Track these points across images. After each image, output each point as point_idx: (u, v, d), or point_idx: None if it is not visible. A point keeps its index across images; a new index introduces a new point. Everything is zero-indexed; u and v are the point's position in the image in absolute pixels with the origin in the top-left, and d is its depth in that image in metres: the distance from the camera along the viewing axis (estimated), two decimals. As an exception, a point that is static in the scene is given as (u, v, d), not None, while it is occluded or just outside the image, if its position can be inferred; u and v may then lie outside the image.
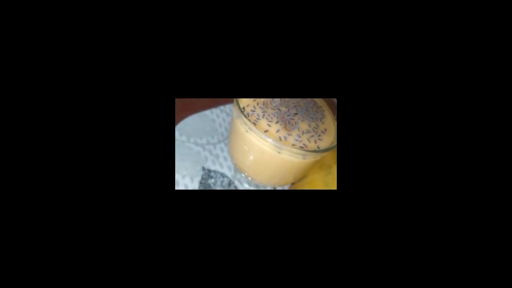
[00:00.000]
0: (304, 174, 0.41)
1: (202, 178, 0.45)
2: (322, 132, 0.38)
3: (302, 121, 0.38)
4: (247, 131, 0.35)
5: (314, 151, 0.35)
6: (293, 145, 0.35)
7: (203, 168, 0.46)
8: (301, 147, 0.35)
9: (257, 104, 0.38)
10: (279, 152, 0.35)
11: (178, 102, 0.50)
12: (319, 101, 0.43)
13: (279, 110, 0.39)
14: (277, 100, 0.39)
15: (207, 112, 0.51)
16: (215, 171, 0.46)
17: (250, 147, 0.37)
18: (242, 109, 0.37)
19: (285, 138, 0.35)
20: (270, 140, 0.34)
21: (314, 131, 0.38)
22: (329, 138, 0.38)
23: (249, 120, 0.35)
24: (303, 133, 0.37)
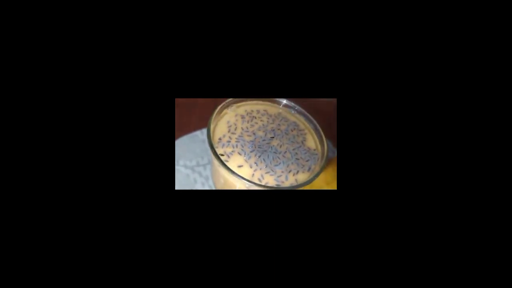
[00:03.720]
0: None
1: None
2: (303, 161, 0.37)
3: (279, 145, 0.37)
4: (219, 165, 0.35)
5: (284, 188, 0.34)
6: (266, 183, 0.34)
7: (192, 192, 0.46)
8: (277, 185, 0.34)
9: (233, 134, 0.37)
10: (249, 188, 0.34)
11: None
12: (302, 124, 0.41)
13: (254, 135, 0.37)
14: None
15: (198, 133, 0.51)
16: (204, 194, 0.46)
17: (225, 181, 0.36)
18: (219, 140, 0.37)
19: (262, 177, 0.34)
20: (241, 179, 0.33)
21: (295, 161, 0.36)
22: (308, 165, 0.37)
23: (219, 157, 0.34)
24: (282, 170, 0.35)
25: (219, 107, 0.38)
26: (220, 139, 0.37)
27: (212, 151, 0.34)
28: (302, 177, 0.35)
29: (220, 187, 0.39)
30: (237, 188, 0.35)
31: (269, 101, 0.43)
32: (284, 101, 0.43)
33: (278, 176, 0.34)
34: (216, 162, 0.35)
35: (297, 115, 0.42)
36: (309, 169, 0.36)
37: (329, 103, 0.66)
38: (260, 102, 0.42)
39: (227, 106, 0.39)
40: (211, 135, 0.37)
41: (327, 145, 0.38)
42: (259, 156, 0.35)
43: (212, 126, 0.37)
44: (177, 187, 0.45)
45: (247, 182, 0.32)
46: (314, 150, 0.39)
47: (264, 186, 0.33)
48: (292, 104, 0.42)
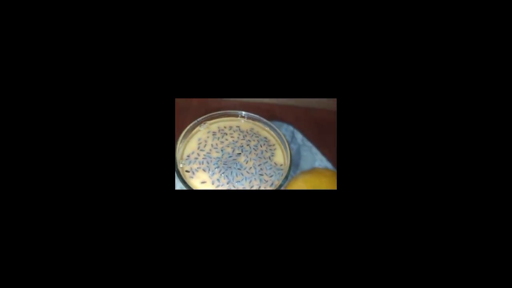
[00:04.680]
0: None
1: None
2: (266, 176, 0.38)
3: (246, 161, 0.39)
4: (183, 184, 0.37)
5: None
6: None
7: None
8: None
9: (201, 150, 0.40)
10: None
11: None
12: (273, 138, 0.43)
13: (222, 151, 0.40)
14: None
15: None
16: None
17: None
18: (187, 157, 0.39)
19: None
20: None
21: (258, 177, 0.38)
22: (272, 180, 0.38)
23: (180, 175, 0.36)
24: (243, 186, 0.37)
25: (188, 127, 0.41)
26: (188, 156, 0.39)
27: (176, 170, 0.37)
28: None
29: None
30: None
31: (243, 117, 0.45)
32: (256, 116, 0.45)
33: (239, 192, 0.36)
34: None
35: (269, 130, 0.44)
36: (272, 184, 0.38)
37: (330, 112, 0.67)
38: (234, 118, 0.44)
39: (199, 124, 0.42)
40: (181, 152, 0.39)
41: (291, 161, 0.39)
42: (223, 173, 0.37)
43: (181, 146, 0.39)
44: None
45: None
46: (281, 165, 0.40)
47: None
48: (264, 120, 0.44)
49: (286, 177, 0.38)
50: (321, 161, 0.57)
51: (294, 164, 0.54)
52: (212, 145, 0.40)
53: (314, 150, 0.58)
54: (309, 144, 0.58)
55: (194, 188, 0.35)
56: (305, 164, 0.56)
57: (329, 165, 0.53)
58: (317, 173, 0.47)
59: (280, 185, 0.37)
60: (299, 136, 0.59)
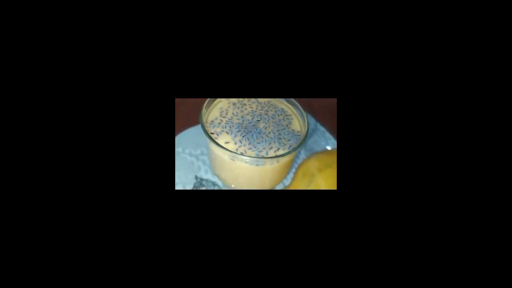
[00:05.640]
0: (274, 180, 0.43)
1: (194, 186, 0.50)
2: (285, 140, 0.40)
3: (265, 127, 0.41)
4: (210, 142, 0.39)
5: (259, 157, 0.38)
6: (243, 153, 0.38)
7: (196, 177, 0.51)
8: (256, 155, 0.38)
9: (223, 117, 0.42)
10: (233, 160, 0.38)
11: (181, 114, 0.56)
12: (289, 109, 0.45)
13: (242, 118, 0.42)
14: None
15: (203, 125, 0.56)
16: (207, 180, 0.51)
17: (215, 156, 0.40)
18: (211, 122, 0.42)
19: (245, 151, 0.38)
20: (224, 148, 0.37)
21: (277, 140, 0.40)
22: (290, 143, 0.40)
23: (209, 134, 0.39)
24: (263, 147, 0.39)
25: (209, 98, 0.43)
26: (212, 121, 0.42)
27: (203, 129, 0.39)
28: (282, 153, 0.39)
29: (214, 164, 0.44)
30: (225, 161, 0.39)
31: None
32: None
33: (259, 152, 0.38)
34: (209, 141, 0.40)
35: (286, 103, 0.46)
36: (290, 147, 0.40)
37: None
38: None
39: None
40: (205, 118, 0.42)
41: (308, 127, 0.42)
42: (244, 136, 0.40)
43: (205, 111, 0.42)
44: (182, 173, 0.50)
45: (231, 153, 0.37)
46: (298, 132, 0.42)
47: (246, 156, 0.37)
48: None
49: (304, 140, 0.40)
50: (334, 145, 0.59)
51: (307, 148, 0.56)
52: (233, 113, 0.43)
53: (327, 135, 0.60)
54: (322, 129, 0.61)
55: (220, 144, 0.37)
56: (318, 148, 0.58)
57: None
58: (330, 153, 0.49)
59: (297, 146, 0.39)
60: (312, 121, 0.61)
